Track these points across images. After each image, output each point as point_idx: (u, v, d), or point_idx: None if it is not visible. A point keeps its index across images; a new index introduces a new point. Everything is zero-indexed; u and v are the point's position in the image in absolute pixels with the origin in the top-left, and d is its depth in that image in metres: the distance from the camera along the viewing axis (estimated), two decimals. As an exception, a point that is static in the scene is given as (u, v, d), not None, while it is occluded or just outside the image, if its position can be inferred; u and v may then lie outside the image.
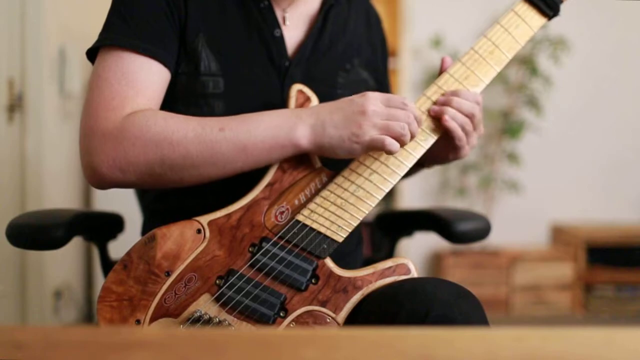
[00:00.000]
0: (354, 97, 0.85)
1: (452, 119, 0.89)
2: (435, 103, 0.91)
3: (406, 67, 3.15)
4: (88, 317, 2.59)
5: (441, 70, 0.95)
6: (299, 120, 0.84)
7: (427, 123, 0.90)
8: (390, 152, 0.83)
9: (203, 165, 0.84)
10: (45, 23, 2.21)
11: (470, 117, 0.90)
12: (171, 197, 0.99)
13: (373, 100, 0.84)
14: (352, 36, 1.06)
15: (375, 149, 0.83)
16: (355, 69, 1.04)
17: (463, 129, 0.90)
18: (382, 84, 1.13)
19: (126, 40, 0.88)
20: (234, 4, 0.96)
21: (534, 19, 0.97)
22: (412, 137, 0.84)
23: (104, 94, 0.86)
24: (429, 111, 0.91)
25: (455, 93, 0.90)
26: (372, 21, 1.13)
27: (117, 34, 0.89)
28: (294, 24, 1.00)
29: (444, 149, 0.95)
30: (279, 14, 0.98)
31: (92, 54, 0.92)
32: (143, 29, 0.89)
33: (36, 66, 2.21)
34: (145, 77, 0.88)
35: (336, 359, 0.42)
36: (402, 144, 0.83)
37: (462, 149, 0.93)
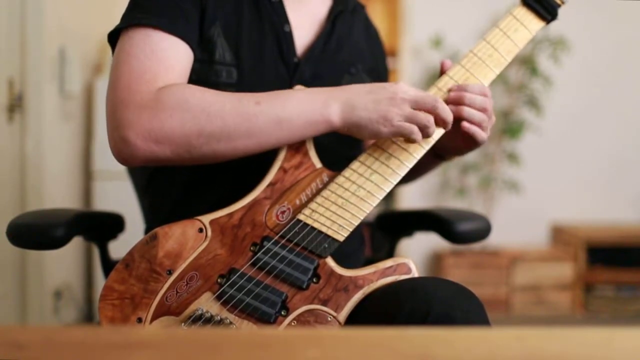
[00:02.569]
0: (386, 83, 0.87)
1: (472, 124, 0.90)
2: (445, 100, 0.91)
3: (406, 67, 3.15)
4: (88, 317, 2.59)
5: (441, 73, 0.96)
6: (332, 98, 0.86)
7: None
8: (413, 141, 0.85)
9: (239, 137, 0.84)
10: (45, 23, 2.21)
11: (484, 111, 0.92)
12: (173, 198, 0.99)
13: (404, 87, 0.86)
14: (356, 44, 1.09)
15: (402, 135, 0.85)
16: (359, 73, 1.06)
17: (480, 125, 0.91)
18: None
19: (155, 19, 0.88)
20: None
21: (533, 23, 0.98)
22: (444, 123, 0.86)
23: (134, 69, 0.85)
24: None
25: (463, 88, 0.91)
26: (373, 34, 1.17)
27: (145, 14, 0.89)
28: (302, 24, 1.02)
29: (463, 144, 0.96)
30: (288, 9, 1.00)
31: (113, 37, 0.92)
32: (170, 9, 0.90)
33: (36, 66, 2.21)
34: (174, 56, 0.88)
35: (336, 359, 0.42)
36: (427, 135, 0.85)
37: (480, 143, 0.95)
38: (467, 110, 0.90)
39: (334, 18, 1.04)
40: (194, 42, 0.91)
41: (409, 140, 0.85)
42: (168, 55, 0.87)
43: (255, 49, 0.96)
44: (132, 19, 0.89)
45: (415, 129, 0.84)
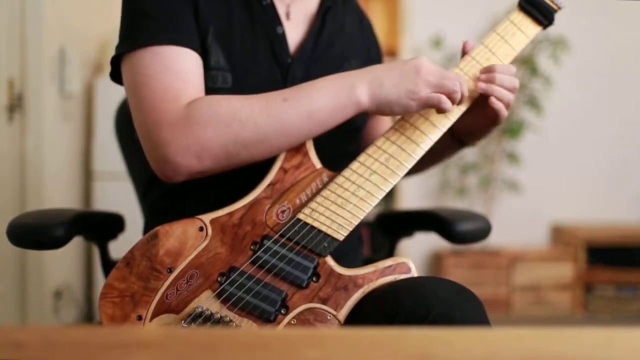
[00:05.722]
0: (407, 59, 0.89)
1: (499, 100, 0.92)
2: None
3: (406, 67, 3.15)
4: (88, 317, 2.59)
5: (463, 53, 0.97)
6: (357, 79, 0.87)
7: (424, 126, 0.90)
8: (443, 110, 0.86)
9: (274, 136, 0.85)
10: (45, 23, 2.21)
11: (513, 90, 0.93)
12: (174, 198, 0.99)
13: (426, 60, 0.88)
14: (348, 38, 1.09)
15: (431, 106, 0.87)
16: (353, 68, 1.05)
17: (508, 104, 0.93)
18: None
19: (160, 36, 0.88)
20: (238, 0, 0.97)
21: (529, 28, 0.99)
22: (463, 97, 0.88)
23: (156, 89, 0.86)
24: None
25: (492, 69, 0.92)
26: (365, 26, 1.16)
27: (149, 33, 0.89)
28: (295, 22, 1.01)
29: (485, 124, 0.97)
30: (281, 10, 1.00)
31: (115, 60, 0.92)
32: (172, 22, 0.90)
33: (36, 66, 2.21)
34: (187, 67, 0.89)
35: (336, 359, 0.42)
36: (454, 101, 0.87)
37: (500, 121, 0.96)
38: (497, 90, 0.91)
39: (323, 14, 1.03)
40: (198, 47, 0.91)
41: (439, 110, 0.87)
42: (181, 67, 0.88)
43: (247, 53, 0.96)
44: (137, 42, 0.89)
45: (443, 97, 0.86)
